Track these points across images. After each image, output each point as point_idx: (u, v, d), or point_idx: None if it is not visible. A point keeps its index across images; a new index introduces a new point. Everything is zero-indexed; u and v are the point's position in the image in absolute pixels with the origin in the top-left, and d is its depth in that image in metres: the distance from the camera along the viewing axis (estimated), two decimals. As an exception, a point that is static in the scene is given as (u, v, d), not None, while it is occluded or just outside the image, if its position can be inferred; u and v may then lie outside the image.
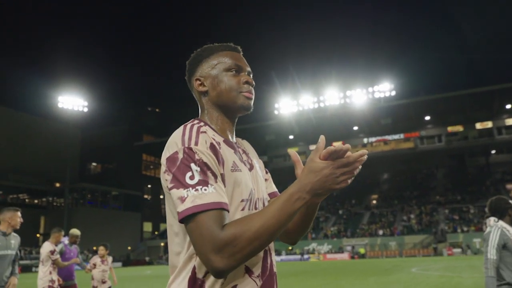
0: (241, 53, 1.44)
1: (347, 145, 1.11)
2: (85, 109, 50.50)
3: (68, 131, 51.33)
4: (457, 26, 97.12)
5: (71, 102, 48.75)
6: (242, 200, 1.22)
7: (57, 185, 57.06)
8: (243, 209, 1.21)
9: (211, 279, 1.14)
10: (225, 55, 1.37)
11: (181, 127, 1.23)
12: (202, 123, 1.27)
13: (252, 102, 1.37)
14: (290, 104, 54.63)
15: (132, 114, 74.13)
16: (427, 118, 54.86)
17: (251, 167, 1.35)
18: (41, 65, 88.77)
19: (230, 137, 1.36)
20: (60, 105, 48.44)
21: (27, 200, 53.98)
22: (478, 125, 52.99)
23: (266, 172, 1.52)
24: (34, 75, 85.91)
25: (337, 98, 52.78)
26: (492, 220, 3.57)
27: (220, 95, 1.34)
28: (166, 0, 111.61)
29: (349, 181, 1.13)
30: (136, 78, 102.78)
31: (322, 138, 1.13)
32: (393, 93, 50.80)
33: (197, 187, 1.09)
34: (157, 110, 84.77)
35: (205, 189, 1.09)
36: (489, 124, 52.23)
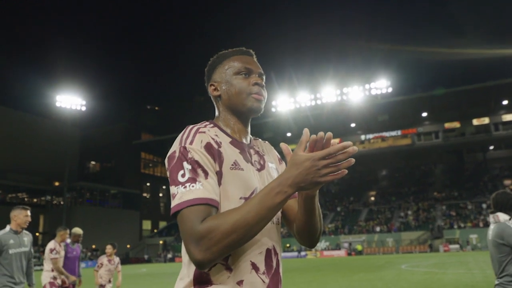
0: (253, 56, 1.48)
1: (329, 133, 1.12)
2: (83, 108, 50.66)
3: (66, 130, 51.59)
4: (453, 22, 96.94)
5: (69, 101, 48.92)
6: (241, 198, 1.24)
7: (56, 184, 57.29)
8: None
9: (216, 273, 1.19)
10: (235, 59, 1.43)
11: (185, 128, 1.30)
12: (211, 124, 1.35)
13: (261, 103, 1.40)
14: (287, 102, 54.72)
15: (131, 113, 74.37)
16: (424, 114, 54.89)
17: (261, 168, 1.38)
18: (39, 64, 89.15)
19: (243, 138, 1.41)
20: (58, 104, 48.63)
21: (26, 199, 54.18)
22: (475, 121, 52.96)
23: None
24: (32, 74, 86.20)
25: (334, 95, 52.84)
26: (502, 215, 3.39)
27: (231, 98, 1.39)
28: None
29: (338, 176, 1.11)
30: (135, 76, 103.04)
31: (306, 131, 1.13)
32: (390, 89, 50.87)
33: (186, 184, 1.16)
34: (156, 108, 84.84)
35: (193, 186, 1.15)
36: (486, 120, 52.19)
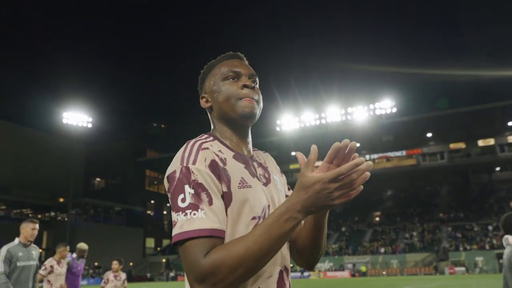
0: (243, 59, 1.38)
1: (353, 143, 1.00)
2: (90, 125, 51.12)
3: (72, 147, 51.90)
4: (458, 43, 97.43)
5: (76, 118, 49.41)
6: (254, 218, 1.14)
7: (61, 200, 57.42)
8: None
9: None
10: (222, 65, 1.33)
11: (186, 143, 1.20)
12: (210, 138, 1.25)
13: (254, 108, 1.27)
14: (292, 121, 54.87)
15: (137, 130, 74.86)
16: (429, 135, 54.80)
17: (267, 182, 1.27)
18: (46, 81, 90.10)
19: (244, 150, 1.30)
20: (64, 121, 49.13)
21: (30, 215, 54.13)
22: (480, 142, 52.75)
23: (289, 189, 1.43)
24: (38, 91, 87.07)
25: (338, 115, 52.97)
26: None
27: (221, 107, 1.28)
28: (170, 15, 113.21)
29: (352, 195, 1.01)
30: (141, 93, 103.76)
31: (314, 148, 1.02)
32: (394, 110, 50.88)
33: (186, 211, 1.05)
34: (162, 125, 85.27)
35: (194, 214, 1.04)
36: (491, 141, 51.99)
